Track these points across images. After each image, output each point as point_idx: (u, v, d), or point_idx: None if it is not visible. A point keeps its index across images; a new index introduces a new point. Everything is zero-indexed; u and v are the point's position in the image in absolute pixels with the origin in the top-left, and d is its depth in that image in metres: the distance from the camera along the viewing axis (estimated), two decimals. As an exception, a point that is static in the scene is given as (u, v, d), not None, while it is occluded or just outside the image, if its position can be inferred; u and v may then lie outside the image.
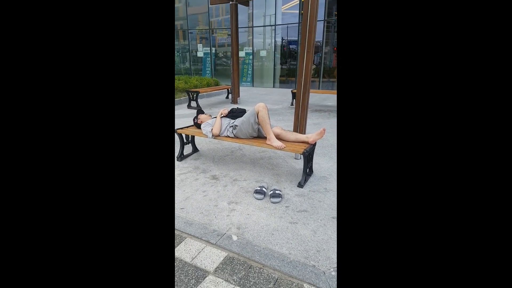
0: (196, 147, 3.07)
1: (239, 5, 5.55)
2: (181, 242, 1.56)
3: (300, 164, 2.70)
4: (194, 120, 2.80)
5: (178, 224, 1.72)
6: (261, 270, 1.35)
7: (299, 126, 2.67)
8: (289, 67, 9.83)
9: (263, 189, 2.08)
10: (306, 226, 1.70)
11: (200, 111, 2.87)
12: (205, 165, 2.70)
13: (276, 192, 2.02)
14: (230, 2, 5.40)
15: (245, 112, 2.48)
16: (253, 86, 10.41)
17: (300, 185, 2.21)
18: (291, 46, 9.60)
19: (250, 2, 7.38)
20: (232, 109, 2.61)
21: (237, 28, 5.66)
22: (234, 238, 1.59)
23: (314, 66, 9.37)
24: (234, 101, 6.33)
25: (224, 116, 2.56)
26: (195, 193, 2.12)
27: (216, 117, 2.58)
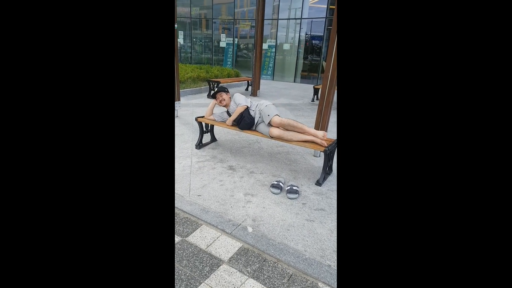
0: (214, 136, 3.08)
1: (266, -4, 5.45)
2: (197, 228, 1.57)
3: (318, 161, 2.65)
4: (213, 95, 2.65)
5: (194, 210, 1.74)
6: (275, 264, 1.34)
7: (322, 123, 2.60)
8: (311, 62, 9.62)
9: (280, 183, 2.05)
10: (323, 225, 1.66)
11: (222, 89, 2.65)
12: (223, 155, 2.71)
13: (294, 188, 1.99)
14: (258, -7, 5.31)
15: (252, 121, 2.43)
16: (273, 79, 10.31)
17: (319, 183, 2.17)
18: (314, 41, 9.37)
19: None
20: (242, 114, 2.44)
21: (263, 19, 5.58)
22: (250, 229, 1.58)
23: (337, 63, 9.11)
24: (254, 93, 6.29)
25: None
26: (212, 182, 2.13)
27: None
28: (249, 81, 6.88)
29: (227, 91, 2.66)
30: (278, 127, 2.27)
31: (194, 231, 1.55)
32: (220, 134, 3.34)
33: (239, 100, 2.51)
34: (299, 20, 9.30)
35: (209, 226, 1.60)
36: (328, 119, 2.64)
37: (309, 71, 9.76)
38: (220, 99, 2.61)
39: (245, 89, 7.17)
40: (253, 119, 2.42)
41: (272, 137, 2.26)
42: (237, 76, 8.00)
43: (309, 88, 8.02)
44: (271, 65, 10.25)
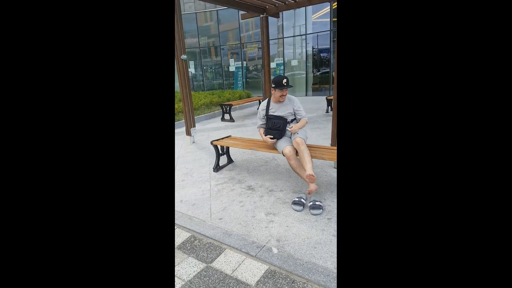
0: (230, 158, 3.09)
1: (269, 17, 5.66)
2: (221, 253, 1.54)
3: (339, 173, 2.56)
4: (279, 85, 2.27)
5: (217, 235, 1.71)
6: (305, 285, 1.26)
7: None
8: (321, 75, 9.66)
9: (302, 200, 1.99)
10: (352, 240, 1.57)
11: (287, 83, 2.25)
12: (240, 175, 2.70)
13: (316, 203, 1.92)
14: (261, 15, 5.52)
15: (281, 124, 2.30)
16: (284, 96, 10.40)
17: (341, 195, 2.08)
18: (322, 54, 9.47)
19: (280, 14, 7.49)
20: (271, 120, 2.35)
21: (268, 40, 5.75)
22: (275, 250, 1.52)
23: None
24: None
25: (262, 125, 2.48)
26: (232, 204, 2.11)
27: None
28: (260, 100, 6.99)
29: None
30: (292, 146, 2.18)
31: (218, 256, 1.52)
32: (236, 155, 3.35)
33: (301, 109, 2.35)
34: (304, 35, 9.49)
35: (233, 250, 1.56)
36: (344, 128, 2.59)
37: (320, 83, 9.78)
38: (282, 94, 2.27)
39: (257, 109, 7.26)
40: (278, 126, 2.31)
41: (283, 154, 2.19)
42: (249, 97, 8.16)
43: (321, 100, 7.97)
44: (281, 82, 10.39)
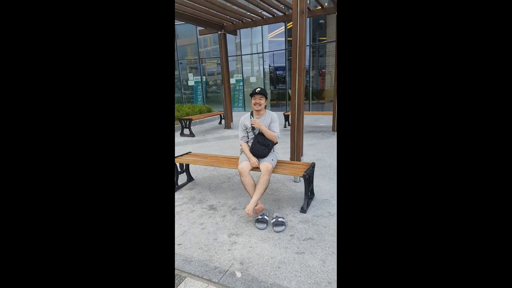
0: (191, 175, 2.97)
1: (227, 34, 5.75)
2: (181, 282, 1.42)
3: (300, 187, 2.62)
4: (252, 94, 2.23)
5: (176, 262, 1.58)
6: (271, 311, 1.22)
7: (296, 148, 2.63)
8: (278, 91, 10.06)
9: (265, 217, 1.97)
10: (314, 256, 1.59)
11: (263, 91, 2.18)
12: (201, 194, 2.59)
13: (279, 220, 1.92)
14: (219, 32, 5.59)
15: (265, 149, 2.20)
16: (244, 110, 10.55)
17: (303, 210, 2.12)
18: (278, 72, 9.91)
19: (238, 32, 7.68)
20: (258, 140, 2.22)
21: (226, 56, 5.82)
22: (238, 274, 1.46)
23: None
24: (228, 126, 6.32)
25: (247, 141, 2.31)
26: (192, 227, 2.00)
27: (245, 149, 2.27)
28: (221, 114, 6.95)
29: (267, 98, 2.27)
30: (248, 163, 2.13)
31: (178, 286, 1.39)
32: (197, 172, 3.23)
33: (277, 126, 2.24)
34: (261, 54, 9.85)
35: (194, 278, 1.45)
36: (302, 143, 2.68)
37: (277, 99, 10.17)
38: (256, 101, 2.20)
39: (219, 123, 7.20)
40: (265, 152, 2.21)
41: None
42: (209, 111, 8.06)
43: (279, 116, 8.25)
44: (241, 97, 10.55)
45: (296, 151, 2.63)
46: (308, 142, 4.55)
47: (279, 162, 2.40)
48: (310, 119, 7.31)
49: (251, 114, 2.32)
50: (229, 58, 6.19)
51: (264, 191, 2.02)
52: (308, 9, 4.31)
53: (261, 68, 10.09)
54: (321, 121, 6.85)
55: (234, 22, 5.39)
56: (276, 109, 10.01)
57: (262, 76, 10.09)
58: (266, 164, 2.08)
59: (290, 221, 1.99)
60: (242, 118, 2.35)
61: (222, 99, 6.30)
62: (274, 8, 4.45)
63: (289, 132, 2.75)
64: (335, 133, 5.14)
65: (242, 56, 10.24)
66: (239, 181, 2.87)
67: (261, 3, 4.10)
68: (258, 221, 1.95)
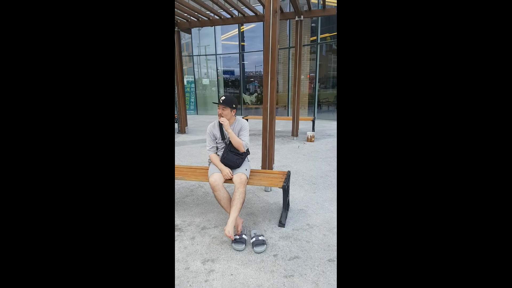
0: (146, 190, 2.54)
1: (181, 33, 5.34)
2: None
3: (272, 197, 2.46)
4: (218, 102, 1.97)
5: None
6: None
7: (268, 154, 2.47)
8: (233, 95, 9.89)
9: (243, 236, 1.74)
10: (305, 278, 1.43)
11: (229, 101, 1.94)
12: (162, 212, 2.21)
13: (259, 238, 1.71)
14: (171, 29, 5.15)
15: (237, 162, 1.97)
16: (197, 114, 10.06)
17: (281, 223, 1.96)
18: (230, 75, 9.74)
19: (192, 30, 7.28)
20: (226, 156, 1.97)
21: (180, 55, 5.39)
22: (224, 315, 1.20)
23: (256, 94, 9.63)
24: (182, 130, 5.85)
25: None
26: (155, 255, 1.64)
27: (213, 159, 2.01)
28: (176, 118, 6.44)
29: (235, 108, 1.98)
30: (220, 174, 1.89)
31: None
32: (152, 185, 2.80)
33: (246, 134, 2.01)
34: (214, 56, 9.55)
35: (166, 328, 1.14)
36: (274, 149, 2.53)
37: (232, 102, 9.99)
38: (219, 112, 1.95)
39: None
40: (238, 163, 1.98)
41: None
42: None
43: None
44: (192, 100, 10.04)
45: (268, 159, 2.47)
46: (270, 147, 4.45)
47: (252, 172, 2.20)
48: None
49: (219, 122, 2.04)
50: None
51: (242, 206, 1.79)
52: (309, 9, 4.23)
53: (215, 70, 9.79)
54: (277, 126, 6.90)
55: (189, 20, 5.03)
56: (231, 113, 9.79)
57: (216, 78, 9.79)
58: (240, 175, 1.86)
59: (271, 238, 1.81)
60: (209, 127, 2.07)
61: (175, 101, 5.81)
62: (246, 7, 4.23)
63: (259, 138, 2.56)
64: (294, 138, 5.18)
65: (194, 57, 9.78)
66: (204, 194, 2.57)
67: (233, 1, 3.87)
68: (235, 241, 1.71)
